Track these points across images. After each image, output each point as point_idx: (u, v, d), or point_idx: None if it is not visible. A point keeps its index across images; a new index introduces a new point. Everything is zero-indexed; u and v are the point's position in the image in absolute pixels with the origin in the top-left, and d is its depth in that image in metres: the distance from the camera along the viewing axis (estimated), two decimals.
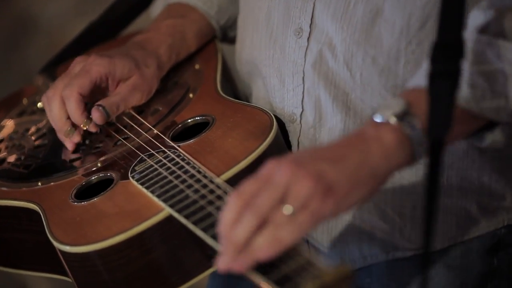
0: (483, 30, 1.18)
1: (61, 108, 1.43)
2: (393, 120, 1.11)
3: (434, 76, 1.10)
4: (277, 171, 1.06)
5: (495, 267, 1.36)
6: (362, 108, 1.33)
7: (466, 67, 1.14)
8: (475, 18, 1.20)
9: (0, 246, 1.43)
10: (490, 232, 1.36)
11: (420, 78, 1.16)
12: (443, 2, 1.12)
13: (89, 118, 1.43)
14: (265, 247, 1.04)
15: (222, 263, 1.05)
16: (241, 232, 1.04)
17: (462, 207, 1.34)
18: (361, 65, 1.32)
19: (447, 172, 1.33)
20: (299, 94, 1.37)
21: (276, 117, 1.38)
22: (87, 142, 1.46)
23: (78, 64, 1.48)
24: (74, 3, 2.39)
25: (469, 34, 1.17)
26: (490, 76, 1.15)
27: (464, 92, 1.15)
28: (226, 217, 1.06)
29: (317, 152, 1.10)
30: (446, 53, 1.11)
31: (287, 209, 1.04)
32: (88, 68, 1.45)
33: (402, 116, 1.11)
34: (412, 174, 1.33)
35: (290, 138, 1.39)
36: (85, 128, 1.44)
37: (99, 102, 1.44)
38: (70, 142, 1.45)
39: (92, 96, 1.45)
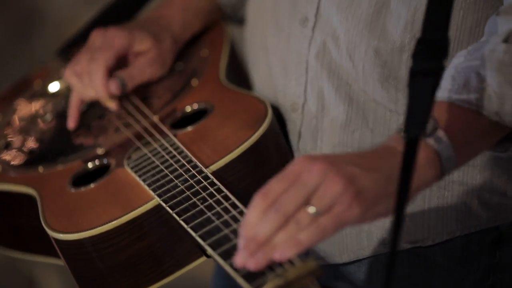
0: (507, 39, 1.15)
1: (88, 80, 1.46)
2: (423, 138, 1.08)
3: (415, 73, 1.07)
4: (307, 169, 1.04)
5: (497, 261, 1.33)
6: (365, 100, 1.31)
7: (494, 77, 1.12)
8: (497, 25, 1.17)
9: (7, 230, 1.46)
10: (492, 226, 1.32)
11: (445, 91, 1.13)
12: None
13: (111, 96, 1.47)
14: (282, 246, 1.02)
15: (240, 259, 1.03)
16: (263, 230, 1.02)
17: (462, 201, 1.31)
18: (364, 57, 1.29)
19: None
20: (301, 84, 1.35)
21: (277, 106, 1.38)
22: (89, 128, 1.48)
23: (97, 37, 1.50)
24: None
25: (496, 44, 1.14)
26: None
27: (494, 104, 1.12)
28: (250, 216, 1.04)
29: (349, 157, 1.08)
30: (430, 51, 1.08)
31: (311, 209, 1.02)
32: (111, 40, 1.48)
33: (431, 133, 1.08)
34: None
35: (289, 128, 1.38)
36: (109, 104, 1.47)
37: (116, 73, 1.46)
38: (74, 118, 1.48)
39: (113, 72, 1.48)
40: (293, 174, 1.04)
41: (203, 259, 1.26)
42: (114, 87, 1.46)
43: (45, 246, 1.39)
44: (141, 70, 1.48)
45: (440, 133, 1.08)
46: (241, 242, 1.04)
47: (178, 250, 1.25)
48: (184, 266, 1.26)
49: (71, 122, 1.49)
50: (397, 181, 1.03)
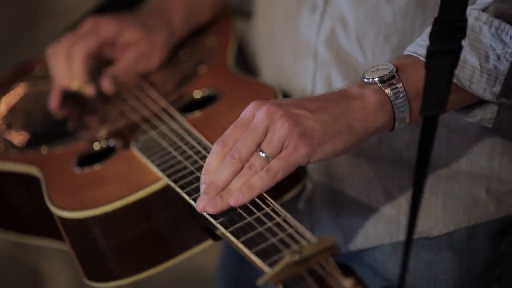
0: (486, 8, 1.16)
1: (65, 64, 1.46)
2: (377, 82, 1.13)
3: (432, 53, 1.08)
4: (257, 114, 1.11)
5: (503, 252, 1.32)
6: None
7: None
8: None
9: (7, 211, 1.44)
10: (498, 218, 1.32)
11: (416, 46, 1.16)
12: None
13: (88, 82, 1.47)
14: (236, 193, 1.08)
15: (200, 204, 1.10)
16: (221, 176, 1.09)
17: (470, 192, 1.31)
18: (374, 43, 1.29)
19: (456, 155, 1.31)
20: (310, 71, 1.35)
21: (286, 94, 1.37)
22: (94, 111, 1.47)
23: (87, 24, 1.50)
24: None
25: (473, 11, 1.15)
26: (483, 54, 1.14)
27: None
28: (209, 163, 1.11)
29: (298, 101, 1.13)
30: (447, 31, 1.08)
31: (262, 153, 1.10)
32: (97, 28, 1.47)
33: (387, 80, 1.13)
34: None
35: None
36: (86, 90, 1.47)
37: (107, 71, 1.46)
38: (57, 104, 1.48)
39: (99, 58, 1.48)
40: (246, 120, 1.12)
41: (208, 242, 1.25)
42: (107, 86, 1.46)
43: (46, 228, 1.38)
44: (132, 64, 1.49)
45: (398, 83, 1.13)
46: (202, 187, 1.11)
47: (184, 233, 1.24)
48: (189, 248, 1.25)
49: (53, 104, 1.49)
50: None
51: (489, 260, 1.32)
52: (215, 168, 1.11)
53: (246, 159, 1.10)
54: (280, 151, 1.10)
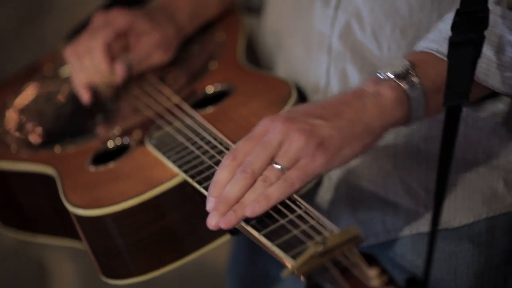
0: (498, 1, 1.16)
1: (88, 59, 1.46)
2: (393, 78, 1.12)
3: (455, 44, 1.07)
4: (271, 128, 1.09)
5: None
6: None
7: None
8: None
9: (22, 211, 1.44)
10: None
11: (430, 42, 1.15)
12: None
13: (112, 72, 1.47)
14: (252, 203, 1.06)
15: (212, 220, 1.07)
16: (233, 191, 1.07)
17: (488, 184, 1.30)
18: (390, 37, 1.28)
19: (474, 148, 1.30)
20: (323, 65, 1.34)
21: (300, 88, 1.37)
22: (106, 109, 1.46)
23: (99, 18, 1.50)
24: None
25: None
26: (498, 47, 1.13)
27: None
28: (219, 176, 1.09)
29: (312, 109, 1.11)
30: (470, 22, 1.08)
31: (277, 166, 1.08)
32: (112, 19, 1.48)
33: (404, 76, 1.12)
34: (438, 149, 1.29)
35: None
36: (111, 80, 1.47)
37: (122, 57, 1.46)
38: (87, 94, 1.47)
39: (116, 51, 1.48)
40: (258, 134, 1.10)
41: (225, 238, 1.24)
42: (120, 69, 1.46)
43: (61, 227, 1.37)
44: (147, 55, 1.48)
45: (415, 78, 1.11)
46: (210, 202, 1.09)
47: (201, 228, 1.22)
48: (205, 244, 1.24)
49: (85, 98, 1.48)
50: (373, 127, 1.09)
51: (508, 253, 1.31)
52: (225, 181, 1.09)
53: (258, 173, 1.08)
54: (296, 163, 1.08)
